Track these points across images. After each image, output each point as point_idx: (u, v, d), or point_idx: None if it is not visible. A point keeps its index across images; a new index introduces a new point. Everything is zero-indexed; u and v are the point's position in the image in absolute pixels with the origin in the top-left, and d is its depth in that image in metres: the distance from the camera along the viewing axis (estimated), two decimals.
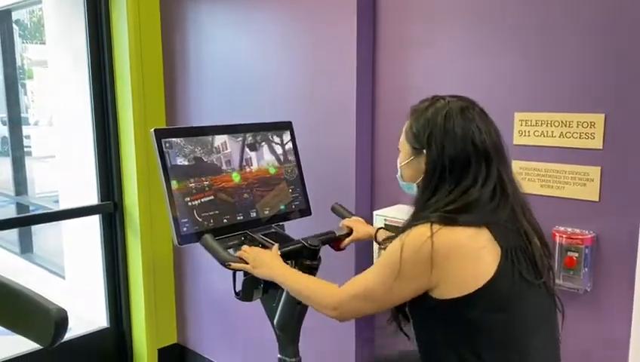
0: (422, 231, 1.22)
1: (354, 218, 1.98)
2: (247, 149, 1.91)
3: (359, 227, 1.93)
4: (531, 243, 1.28)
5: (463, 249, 1.21)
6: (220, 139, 1.85)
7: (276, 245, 1.68)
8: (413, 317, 1.37)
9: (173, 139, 1.73)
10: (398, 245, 1.25)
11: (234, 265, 1.61)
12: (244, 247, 1.67)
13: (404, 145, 1.40)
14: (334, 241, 1.88)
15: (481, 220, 1.23)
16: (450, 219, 1.22)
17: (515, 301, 1.23)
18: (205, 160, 1.79)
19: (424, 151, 1.32)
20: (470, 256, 1.21)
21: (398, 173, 1.46)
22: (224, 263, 1.61)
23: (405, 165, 1.41)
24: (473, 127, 1.28)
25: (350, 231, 1.91)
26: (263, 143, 1.96)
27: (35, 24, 5.48)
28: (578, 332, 1.74)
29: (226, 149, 1.85)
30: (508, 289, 1.22)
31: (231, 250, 1.70)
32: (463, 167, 1.27)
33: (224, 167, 1.83)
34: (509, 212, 1.28)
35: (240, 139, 1.90)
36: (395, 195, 2.17)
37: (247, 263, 1.61)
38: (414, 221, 1.28)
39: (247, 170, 1.89)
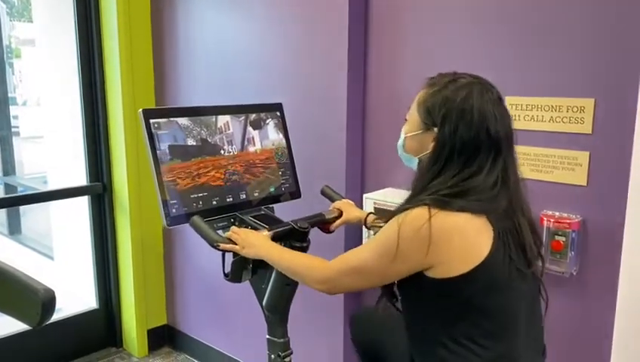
0: (420, 213, 1.21)
1: (344, 200, 1.97)
2: (238, 130, 1.90)
3: (349, 210, 1.92)
4: (523, 233, 1.28)
5: (459, 232, 1.20)
6: (211, 120, 1.83)
7: (266, 231, 1.68)
8: (404, 298, 1.37)
9: (162, 120, 1.71)
10: (396, 225, 1.23)
11: (222, 245, 1.61)
12: (234, 228, 1.67)
13: (413, 116, 1.35)
14: (324, 224, 1.88)
15: (477, 207, 1.22)
16: (445, 203, 1.21)
17: (505, 284, 1.25)
18: (195, 141, 1.77)
19: (435, 129, 1.28)
20: (465, 240, 1.21)
21: (400, 142, 1.41)
22: (213, 244, 1.61)
23: (411, 137, 1.36)
24: (490, 115, 1.23)
25: (340, 214, 1.91)
26: (253, 124, 1.95)
27: (23, 2, 5.38)
28: (564, 314, 1.77)
29: (217, 130, 1.84)
30: (498, 271, 1.23)
31: (220, 231, 1.70)
32: (472, 152, 1.23)
33: (214, 148, 1.82)
34: (506, 203, 1.26)
35: (231, 119, 1.89)
36: (384, 179, 2.17)
37: (236, 244, 1.61)
38: (410, 204, 1.27)
39: (237, 151, 1.88)
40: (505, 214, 1.26)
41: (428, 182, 1.27)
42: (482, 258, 1.20)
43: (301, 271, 1.48)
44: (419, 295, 1.31)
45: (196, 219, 1.65)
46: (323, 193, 2.03)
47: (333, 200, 1.98)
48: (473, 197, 1.22)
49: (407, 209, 1.25)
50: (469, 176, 1.23)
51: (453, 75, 1.32)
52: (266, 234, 1.65)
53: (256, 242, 1.60)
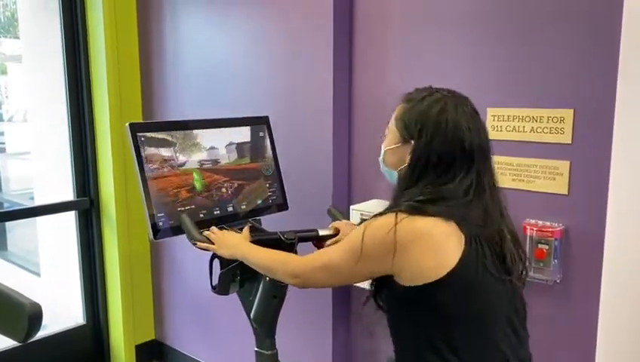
0: (387, 220, 1.24)
1: (345, 221, 1.97)
2: (224, 144, 1.91)
3: (346, 230, 1.91)
4: (505, 243, 1.30)
5: (425, 237, 1.22)
6: (196, 133, 1.85)
7: (247, 227, 1.71)
8: (388, 313, 1.39)
9: (150, 133, 1.73)
10: (362, 230, 1.28)
11: (199, 244, 1.64)
12: (213, 228, 1.69)
13: (392, 131, 1.39)
14: (318, 240, 1.87)
15: (448, 213, 1.24)
16: (417, 209, 1.24)
17: (480, 290, 1.26)
18: (182, 154, 1.79)
19: (412, 141, 1.32)
20: (433, 245, 1.22)
21: (381, 157, 1.45)
22: (191, 241, 1.66)
23: (390, 150, 1.39)
24: (464, 127, 1.28)
25: (336, 233, 1.90)
26: (240, 138, 1.97)
27: (9, 18, 5.37)
28: (548, 321, 1.79)
29: (203, 143, 1.86)
30: (472, 277, 1.24)
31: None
32: (447, 164, 1.27)
33: (202, 161, 1.83)
34: (482, 211, 1.29)
35: (217, 133, 1.90)
36: (371, 190, 2.19)
37: (213, 244, 1.65)
38: (387, 209, 1.30)
39: (224, 164, 1.89)
40: (482, 223, 1.28)
41: (403, 190, 1.32)
42: (453, 264, 1.21)
43: (274, 266, 1.53)
44: (399, 305, 1.33)
45: (184, 217, 1.69)
46: (329, 213, 2.06)
47: (335, 220, 1.99)
48: (444, 203, 1.25)
49: (380, 214, 1.29)
50: (442, 183, 1.27)
51: (429, 89, 1.36)
52: (245, 231, 1.68)
53: (232, 242, 1.64)
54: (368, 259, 1.28)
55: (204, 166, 1.83)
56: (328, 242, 1.88)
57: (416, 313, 1.28)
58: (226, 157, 1.91)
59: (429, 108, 1.30)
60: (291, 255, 1.57)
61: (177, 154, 1.77)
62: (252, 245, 1.64)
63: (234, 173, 1.91)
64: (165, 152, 1.75)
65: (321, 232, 1.86)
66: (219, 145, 1.90)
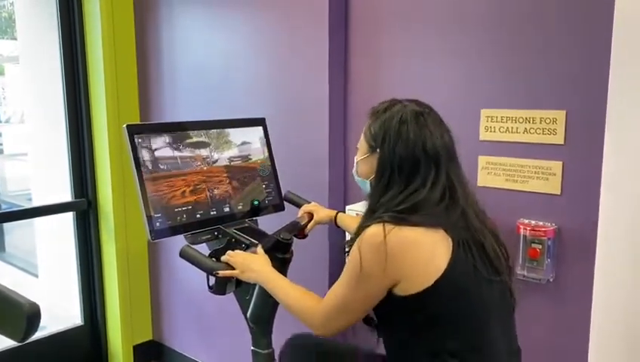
0: (375, 230, 1.26)
1: (312, 203, 2.03)
2: (220, 145, 1.93)
3: (319, 211, 1.99)
4: (486, 243, 1.33)
5: (416, 245, 1.25)
6: (193, 135, 1.86)
7: (260, 246, 1.69)
8: (381, 323, 1.41)
9: (146, 135, 1.74)
10: (357, 249, 1.29)
11: (222, 272, 1.61)
12: (230, 252, 1.66)
13: (362, 144, 1.46)
14: (299, 231, 1.91)
15: (432, 220, 1.27)
16: (401, 219, 1.27)
17: (471, 291, 1.28)
18: (179, 155, 1.80)
19: (378, 150, 1.38)
20: (424, 252, 1.25)
21: (354, 169, 1.52)
22: (211, 272, 1.62)
23: (361, 161, 1.46)
24: (426, 132, 1.34)
25: (311, 218, 1.96)
26: (237, 139, 1.98)
27: (6, 19, 5.37)
28: (541, 320, 1.81)
29: (200, 145, 1.87)
30: (463, 279, 1.27)
31: (207, 242, 1.71)
32: (412, 168, 1.32)
33: (198, 162, 1.85)
34: (460, 213, 1.32)
35: (214, 134, 1.92)
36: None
37: (234, 269, 1.62)
38: (367, 221, 1.32)
39: (221, 165, 1.91)
40: (463, 226, 1.31)
41: (377, 199, 1.35)
42: (442, 270, 1.24)
43: (296, 314, 1.48)
44: (393, 315, 1.34)
45: (186, 249, 1.65)
46: (287, 199, 2.08)
47: (299, 205, 2.03)
48: (424, 211, 1.28)
49: (364, 228, 1.30)
50: (414, 190, 1.31)
51: (390, 101, 1.44)
52: (260, 251, 1.66)
53: (255, 267, 1.60)
54: (367, 275, 1.28)
55: (202, 166, 1.85)
56: (309, 226, 1.94)
57: (413, 320, 1.29)
58: (224, 158, 1.92)
59: (390, 118, 1.37)
60: (309, 299, 1.48)
61: (175, 155, 1.79)
62: (273, 271, 1.59)
63: (231, 174, 1.93)
64: (162, 153, 1.76)
65: (300, 221, 1.91)
66: (217, 146, 1.91)
